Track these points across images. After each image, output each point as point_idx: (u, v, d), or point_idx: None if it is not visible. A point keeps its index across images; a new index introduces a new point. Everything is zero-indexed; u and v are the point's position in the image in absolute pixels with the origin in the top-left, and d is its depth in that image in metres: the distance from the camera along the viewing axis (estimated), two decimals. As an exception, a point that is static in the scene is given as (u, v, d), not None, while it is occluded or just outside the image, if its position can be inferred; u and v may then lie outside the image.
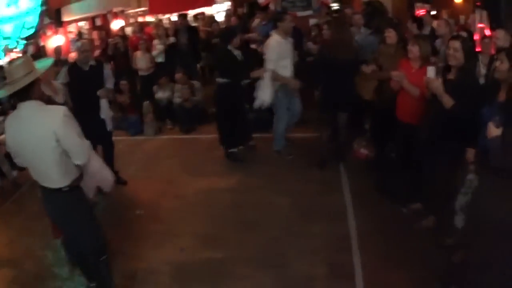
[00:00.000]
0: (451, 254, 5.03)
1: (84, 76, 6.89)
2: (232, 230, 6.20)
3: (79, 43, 7.12)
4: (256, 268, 5.38)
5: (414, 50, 5.63)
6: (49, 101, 4.63)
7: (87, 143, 4.40)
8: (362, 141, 7.51)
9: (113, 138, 7.74)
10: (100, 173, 4.95)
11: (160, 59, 11.60)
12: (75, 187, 4.45)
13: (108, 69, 7.39)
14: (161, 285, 5.32)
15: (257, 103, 7.72)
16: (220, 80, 7.85)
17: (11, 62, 4.23)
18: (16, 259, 6.20)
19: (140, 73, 11.41)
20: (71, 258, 5.02)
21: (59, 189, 4.33)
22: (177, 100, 10.46)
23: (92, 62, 7.11)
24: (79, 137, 4.29)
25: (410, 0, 11.23)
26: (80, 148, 4.29)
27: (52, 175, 4.27)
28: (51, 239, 5.91)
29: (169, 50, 11.57)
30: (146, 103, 10.43)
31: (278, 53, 7.34)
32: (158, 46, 11.54)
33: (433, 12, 9.51)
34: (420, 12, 9.72)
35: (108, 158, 7.17)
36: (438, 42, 7.15)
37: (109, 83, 7.50)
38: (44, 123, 4.11)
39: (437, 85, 4.94)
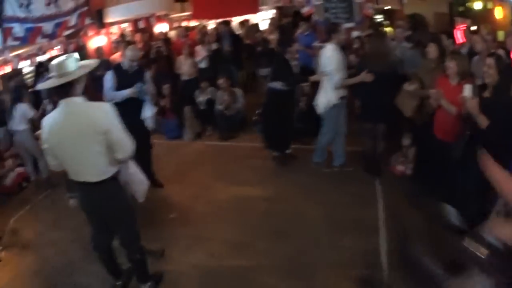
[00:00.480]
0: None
1: (128, 78, 6.98)
2: (262, 239, 6.20)
3: (129, 52, 7.10)
4: (282, 278, 5.36)
5: (451, 66, 5.56)
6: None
7: (130, 139, 4.54)
8: (399, 157, 7.46)
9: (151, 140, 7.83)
10: (135, 177, 5.08)
11: (203, 65, 11.66)
12: (115, 178, 4.61)
13: (147, 75, 7.45)
14: (187, 288, 5.36)
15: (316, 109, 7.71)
16: (274, 85, 7.97)
17: (58, 57, 4.32)
18: (43, 252, 6.41)
19: (183, 77, 11.48)
20: (100, 255, 5.07)
21: (102, 181, 4.47)
22: (218, 106, 10.50)
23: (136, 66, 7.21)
24: (124, 132, 4.45)
25: (451, 15, 11.08)
26: (126, 142, 4.47)
27: (97, 168, 4.41)
28: (81, 235, 6.07)
29: (213, 56, 11.63)
30: (187, 108, 10.50)
31: (337, 62, 7.24)
32: (201, 52, 11.58)
33: (473, 28, 9.31)
34: (460, 27, 9.57)
35: (146, 161, 7.27)
36: (475, 59, 7.02)
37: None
38: (92, 116, 4.26)
39: (473, 105, 4.86)
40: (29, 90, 9.69)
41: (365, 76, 7.01)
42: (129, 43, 12.23)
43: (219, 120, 10.42)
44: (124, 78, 6.95)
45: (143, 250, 5.05)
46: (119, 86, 6.90)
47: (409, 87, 6.56)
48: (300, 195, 7.29)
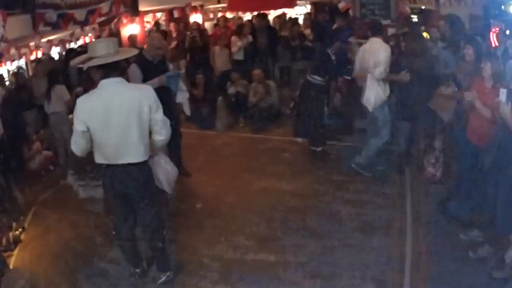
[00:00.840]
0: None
1: (153, 68, 6.83)
2: (289, 235, 6.12)
3: (152, 41, 7.08)
4: (306, 276, 5.28)
5: (486, 68, 5.37)
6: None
7: (169, 122, 4.64)
8: (431, 159, 7.32)
9: (183, 130, 7.79)
10: (166, 168, 5.08)
11: (239, 57, 11.58)
12: (147, 162, 4.64)
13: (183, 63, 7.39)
14: (208, 280, 5.29)
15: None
16: (311, 78, 7.94)
17: (97, 40, 4.38)
18: (64, 235, 6.43)
19: (218, 68, 11.42)
20: (122, 243, 5.02)
21: (137, 163, 4.50)
22: (251, 98, 10.43)
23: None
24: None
25: (486, 17, 10.82)
26: (166, 124, 4.58)
27: (140, 148, 4.46)
28: (103, 221, 6.13)
29: (248, 49, 11.57)
30: (220, 98, 10.44)
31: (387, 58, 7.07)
32: (238, 43, 11.50)
33: (507, 32, 9.09)
34: (496, 30, 9.34)
35: (175, 149, 7.23)
36: (510, 63, 6.77)
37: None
38: (136, 97, 4.35)
39: (507, 110, 4.69)
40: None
41: (404, 75, 6.89)
42: (162, 32, 12.31)
43: (252, 112, 10.35)
44: (149, 69, 6.77)
45: (165, 239, 5.01)
46: (145, 78, 6.65)
47: (446, 90, 6.38)
48: (331, 192, 7.18)
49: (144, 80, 6.51)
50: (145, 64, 6.74)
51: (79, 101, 4.39)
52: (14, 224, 6.58)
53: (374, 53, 7.03)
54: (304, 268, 5.42)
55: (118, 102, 4.27)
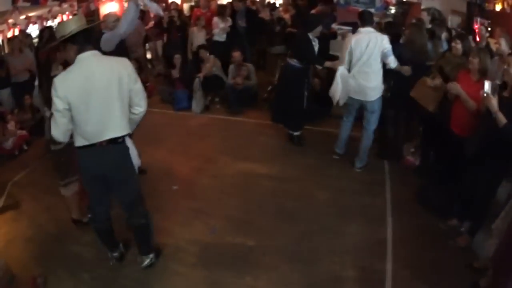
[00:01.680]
0: (478, 277, 4.81)
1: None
2: (267, 218, 6.06)
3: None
4: (285, 260, 5.24)
5: (474, 62, 5.44)
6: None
7: None
8: (410, 147, 7.43)
9: (159, 110, 7.67)
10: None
11: (220, 38, 11.41)
12: (125, 140, 4.51)
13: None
14: (185, 264, 5.21)
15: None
16: (292, 62, 7.86)
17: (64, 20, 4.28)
18: (38, 218, 6.24)
19: (194, 49, 11.27)
20: (98, 226, 4.89)
21: (115, 140, 4.37)
22: (229, 81, 10.29)
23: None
24: None
25: (470, 13, 10.88)
26: (145, 94, 4.55)
27: (117, 121, 4.33)
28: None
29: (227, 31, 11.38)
30: (197, 79, 10.26)
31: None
32: (221, 25, 11.31)
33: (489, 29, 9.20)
34: (478, 26, 9.41)
35: None
36: (494, 60, 6.79)
37: None
38: (115, 68, 4.25)
39: (493, 102, 4.71)
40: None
41: (406, 69, 6.89)
42: (140, 12, 12.10)
43: (230, 94, 10.20)
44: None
45: (147, 214, 4.90)
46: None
47: (432, 81, 6.36)
48: (308, 177, 7.14)
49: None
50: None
51: (58, 79, 4.17)
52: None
53: (375, 43, 6.87)
54: (282, 252, 5.38)
55: (98, 76, 4.14)
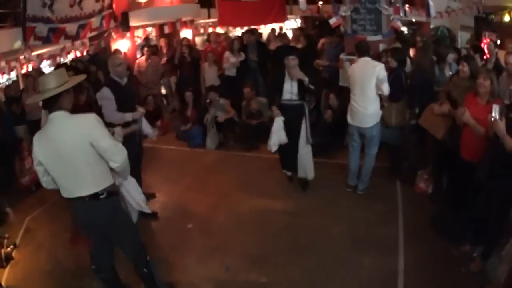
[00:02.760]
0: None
1: (124, 92, 6.73)
2: (282, 254, 6.08)
3: (114, 59, 7.02)
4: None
5: (486, 84, 5.33)
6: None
7: (120, 145, 4.52)
8: (424, 174, 7.39)
9: (175, 148, 7.74)
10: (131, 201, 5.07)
11: (231, 73, 11.55)
12: (112, 194, 4.53)
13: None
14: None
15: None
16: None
17: (46, 73, 4.41)
18: (56, 253, 6.39)
19: (206, 84, 11.40)
20: (103, 275, 4.92)
21: (96, 196, 4.36)
22: (242, 117, 10.43)
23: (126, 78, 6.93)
24: (113, 139, 4.46)
25: (478, 27, 10.88)
26: (116, 148, 4.41)
27: (88, 179, 4.32)
28: None
29: (240, 66, 11.49)
30: (208, 116, 10.34)
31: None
32: (232, 60, 11.46)
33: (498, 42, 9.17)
34: (487, 40, 9.39)
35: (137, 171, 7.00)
36: (502, 77, 6.81)
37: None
38: (78, 128, 4.27)
39: (500, 126, 4.70)
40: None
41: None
42: (153, 47, 12.24)
43: (243, 129, 10.29)
44: (119, 90, 6.63)
45: (149, 263, 4.92)
46: (117, 99, 6.55)
47: (440, 108, 6.37)
48: (322, 210, 7.15)
49: (118, 105, 6.52)
50: (114, 87, 6.61)
51: (35, 136, 4.40)
52: (5, 241, 6.51)
53: (372, 72, 7.02)
54: (296, 287, 5.40)
55: (62, 137, 4.23)
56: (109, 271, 4.90)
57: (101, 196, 4.38)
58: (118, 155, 4.41)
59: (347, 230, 6.54)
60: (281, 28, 15.97)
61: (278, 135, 7.37)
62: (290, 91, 7.36)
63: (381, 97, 7.16)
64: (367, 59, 7.19)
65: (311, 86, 7.22)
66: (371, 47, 7.54)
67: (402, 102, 7.41)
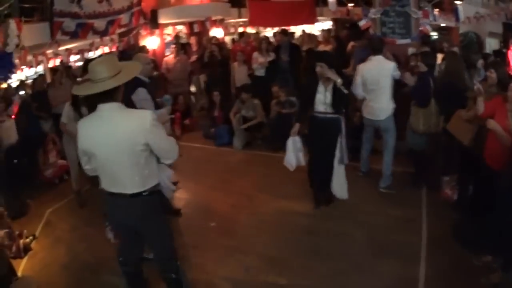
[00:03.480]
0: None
1: (151, 92, 6.47)
2: (302, 257, 6.02)
3: (144, 58, 6.69)
4: (316, 299, 5.17)
5: None
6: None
7: (175, 141, 4.43)
8: (451, 181, 7.28)
9: (200, 146, 7.73)
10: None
11: (260, 73, 11.52)
12: (154, 192, 4.39)
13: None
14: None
15: None
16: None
17: (96, 60, 4.13)
18: (75, 246, 6.47)
19: (237, 84, 11.37)
20: (127, 269, 4.79)
21: (139, 194, 4.23)
22: (270, 116, 10.39)
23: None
24: (168, 137, 4.34)
25: (506, 33, 10.69)
26: (169, 148, 4.32)
27: (134, 179, 4.18)
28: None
29: (269, 66, 11.46)
30: (238, 115, 10.34)
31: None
32: (260, 60, 11.42)
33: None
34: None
35: None
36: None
37: None
38: (133, 126, 4.06)
39: None
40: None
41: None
42: (183, 45, 12.25)
43: (271, 129, 10.25)
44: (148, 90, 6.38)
45: (180, 270, 4.75)
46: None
47: (467, 114, 6.25)
48: (345, 214, 7.06)
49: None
50: (140, 86, 6.29)
51: (80, 122, 4.24)
52: (25, 232, 6.63)
53: (384, 72, 7.33)
54: (313, 292, 5.33)
55: (111, 132, 4.03)
56: (135, 266, 4.78)
57: (144, 194, 4.25)
58: (174, 152, 4.37)
59: (369, 236, 6.45)
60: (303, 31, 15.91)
61: (296, 155, 7.26)
62: (323, 101, 6.76)
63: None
64: (379, 58, 7.39)
65: (344, 90, 6.58)
66: (401, 51, 7.50)
67: (429, 108, 7.27)
